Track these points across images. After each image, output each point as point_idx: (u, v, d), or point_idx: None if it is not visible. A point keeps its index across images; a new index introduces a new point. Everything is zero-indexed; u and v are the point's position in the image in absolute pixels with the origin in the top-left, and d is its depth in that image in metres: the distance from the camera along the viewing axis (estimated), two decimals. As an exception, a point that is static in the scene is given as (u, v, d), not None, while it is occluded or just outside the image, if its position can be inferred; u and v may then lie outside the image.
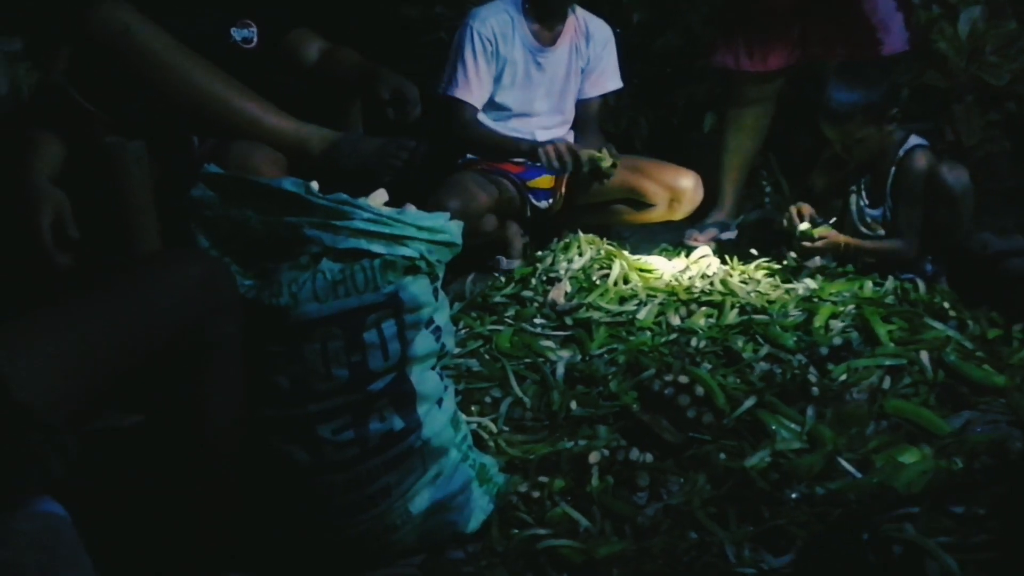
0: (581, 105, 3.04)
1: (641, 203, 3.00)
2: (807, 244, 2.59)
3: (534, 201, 2.94)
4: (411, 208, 1.50)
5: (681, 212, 2.98)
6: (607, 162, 2.77)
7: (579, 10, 2.98)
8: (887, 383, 1.92)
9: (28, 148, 1.70)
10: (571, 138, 3.04)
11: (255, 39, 2.18)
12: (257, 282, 1.36)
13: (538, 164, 2.77)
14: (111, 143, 1.68)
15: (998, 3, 3.34)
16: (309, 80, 2.24)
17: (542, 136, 2.95)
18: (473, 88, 2.83)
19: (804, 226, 2.61)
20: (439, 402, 1.50)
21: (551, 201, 2.98)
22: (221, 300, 1.25)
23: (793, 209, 2.66)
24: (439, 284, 1.50)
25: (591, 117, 3.06)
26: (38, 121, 1.77)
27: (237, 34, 2.16)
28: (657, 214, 3.00)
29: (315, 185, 1.39)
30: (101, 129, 1.71)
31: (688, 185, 2.93)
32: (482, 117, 2.92)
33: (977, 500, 1.43)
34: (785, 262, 2.67)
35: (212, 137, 1.93)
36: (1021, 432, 1.74)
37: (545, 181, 2.96)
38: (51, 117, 1.76)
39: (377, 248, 1.37)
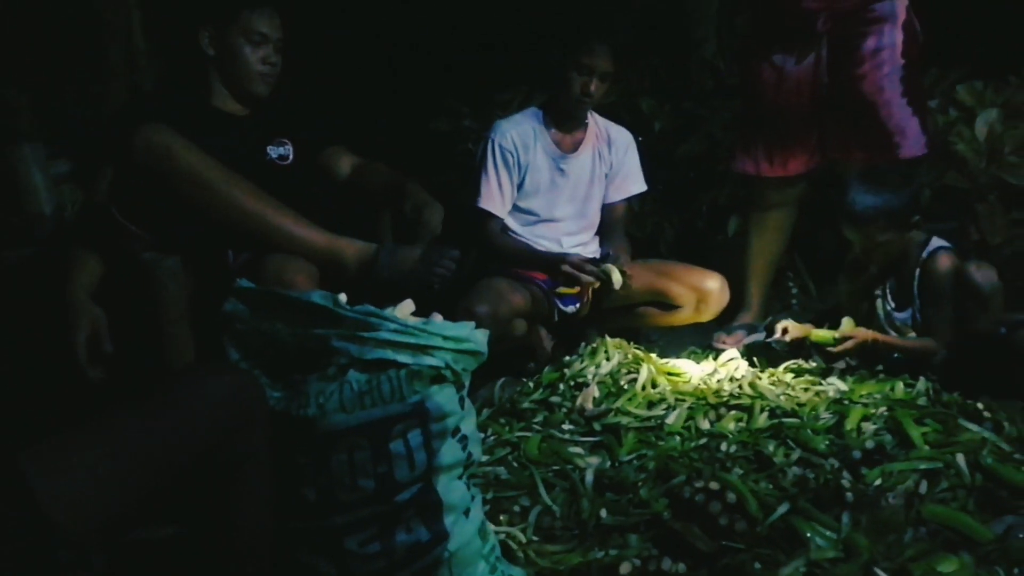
0: (606, 209, 3.10)
1: (668, 305, 3.01)
2: (831, 349, 2.57)
3: (561, 306, 2.98)
4: (437, 318, 1.53)
5: (708, 314, 2.99)
6: (616, 276, 2.80)
7: (599, 118, 3.08)
8: (923, 487, 1.86)
9: (69, 265, 1.78)
10: (596, 243, 3.10)
11: (291, 156, 2.28)
12: (285, 393, 1.38)
13: (559, 280, 2.83)
14: (148, 259, 1.76)
15: (1014, 104, 3.41)
16: (342, 194, 2.33)
17: (567, 241, 3.01)
18: (496, 198, 2.92)
19: (820, 332, 2.60)
20: (466, 512, 1.50)
21: (578, 306, 3.01)
22: (251, 414, 1.28)
23: (779, 328, 2.68)
24: (465, 393, 1.51)
25: (616, 221, 3.12)
26: (80, 239, 1.86)
27: (273, 151, 2.27)
28: (684, 316, 3.01)
29: (343, 297, 1.43)
30: (139, 246, 1.78)
31: (714, 287, 2.95)
32: (510, 222, 3.00)
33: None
34: (813, 363, 2.66)
35: (247, 251, 2.00)
36: (1067, 538, 1.68)
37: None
38: (92, 235, 1.85)
39: (403, 358, 1.39)
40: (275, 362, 1.41)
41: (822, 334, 2.61)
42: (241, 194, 1.87)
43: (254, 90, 2.20)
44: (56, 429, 1.09)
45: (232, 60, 2.18)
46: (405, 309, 1.52)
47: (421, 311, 1.55)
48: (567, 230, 3.03)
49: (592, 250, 3.06)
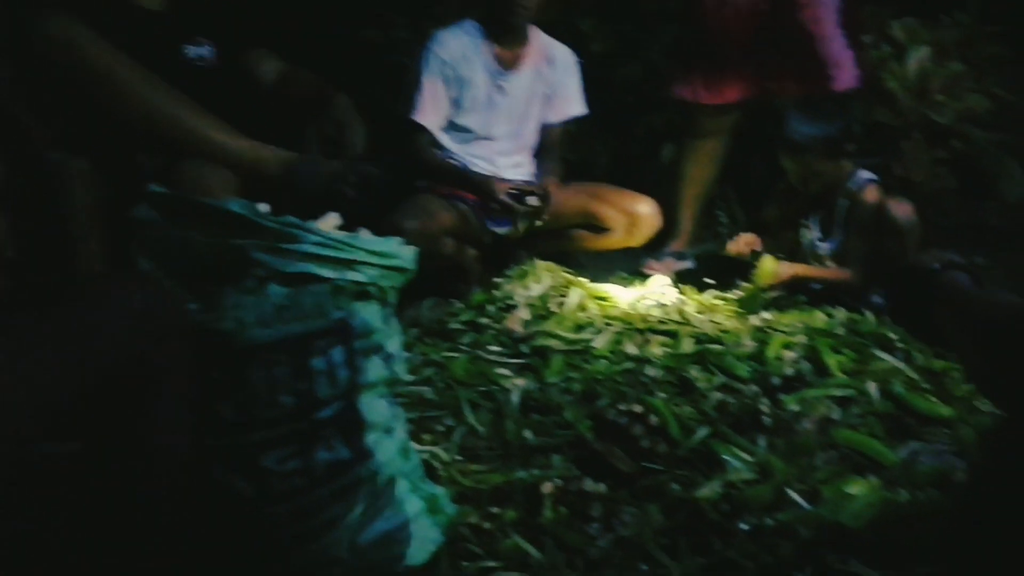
0: (543, 131, 3.04)
1: (599, 229, 3.01)
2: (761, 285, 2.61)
3: (493, 227, 2.94)
4: (364, 232, 1.48)
5: (639, 238, 2.99)
6: (534, 202, 2.78)
7: (543, 35, 2.99)
8: (837, 413, 1.93)
9: (-34, 164, 1.65)
10: (531, 164, 3.05)
11: (211, 57, 2.16)
12: (199, 306, 1.32)
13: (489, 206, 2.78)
14: (54, 160, 1.65)
15: (944, 44, 3.45)
16: (265, 101, 2.23)
17: (502, 161, 2.95)
18: (430, 112, 2.83)
19: (746, 289, 2.64)
20: (389, 431, 1.48)
21: (510, 227, 2.97)
22: (169, 329, 1.22)
23: (742, 237, 2.70)
24: (391, 310, 1.48)
25: (552, 143, 3.07)
26: (-22, 136, 1.72)
27: (191, 52, 2.14)
28: (615, 240, 3.01)
29: (264, 207, 1.36)
30: (44, 145, 1.67)
31: (645, 210, 2.95)
32: (444, 139, 2.92)
33: (921, 532, 1.44)
34: (740, 292, 2.70)
35: (162, 156, 1.90)
36: (965, 463, 1.76)
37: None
38: (-8, 132, 1.72)
39: (326, 273, 1.35)
40: (189, 272, 1.34)
41: (749, 288, 2.63)
42: (155, 95, 1.76)
43: None
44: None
45: None
46: (330, 222, 1.46)
47: (349, 225, 1.49)
48: (502, 150, 2.97)
49: (526, 171, 3.02)
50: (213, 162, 1.84)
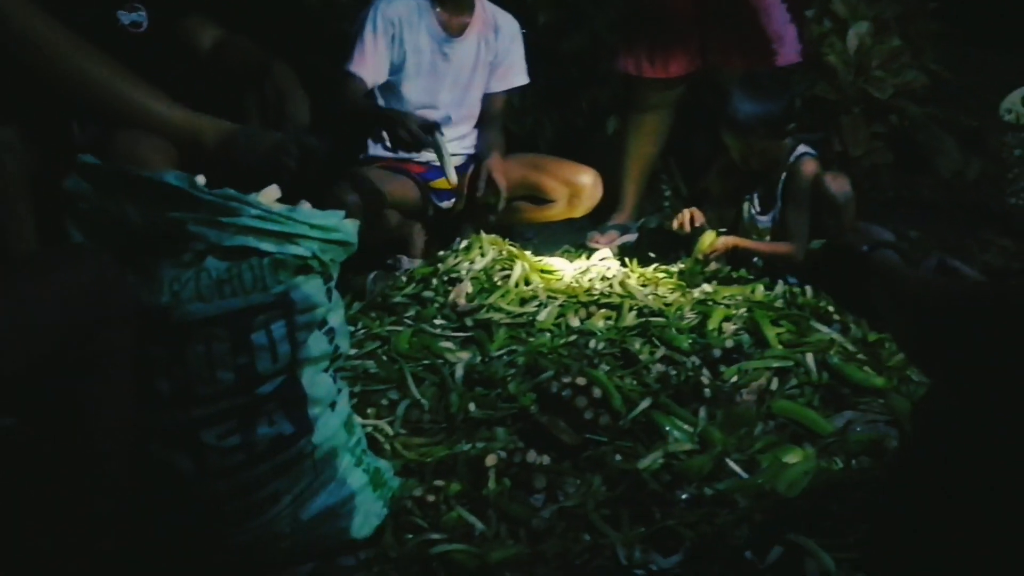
0: (486, 100, 3.02)
1: (542, 200, 3.01)
2: (700, 256, 2.65)
3: (436, 201, 2.92)
4: (305, 205, 1.46)
5: (581, 209, 3.00)
6: (492, 200, 2.79)
7: (488, 3, 2.96)
8: (775, 384, 1.97)
9: None
10: (475, 135, 3.02)
11: (145, 23, 2.09)
12: (135, 280, 1.29)
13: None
14: (-22, 129, 1.59)
15: (884, 20, 3.51)
16: (202, 69, 2.17)
17: (445, 131, 2.91)
18: (368, 65, 2.76)
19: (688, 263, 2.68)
20: (332, 405, 1.47)
21: (454, 201, 2.95)
22: (112, 308, 1.18)
23: (686, 213, 2.72)
24: (333, 284, 1.47)
25: (495, 113, 3.04)
26: None
27: (125, 17, 2.07)
28: (557, 211, 3.01)
29: (201, 179, 1.33)
30: (-33, 114, 1.61)
31: (587, 181, 2.96)
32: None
33: (854, 500, 1.49)
34: (682, 265, 2.73)
35: (95, 125, 1.84)
36: (897, 432, 1.82)
37: (448, 181, 2.92)
38: (-89, 99, 1.65)
39: (266, 246, 1.33)
40: (124, 246, 1.30)
41: (691, 262, 2.66)
42: (86, 60, 1.68)
43: None
44: None
45: None
46: (270, 195, 1.43)
47: (289, 198, 1.46)
48: (445, 119, 2.93)
49: (470, 143, 3.00)
50: (148, 132, 1.78)
